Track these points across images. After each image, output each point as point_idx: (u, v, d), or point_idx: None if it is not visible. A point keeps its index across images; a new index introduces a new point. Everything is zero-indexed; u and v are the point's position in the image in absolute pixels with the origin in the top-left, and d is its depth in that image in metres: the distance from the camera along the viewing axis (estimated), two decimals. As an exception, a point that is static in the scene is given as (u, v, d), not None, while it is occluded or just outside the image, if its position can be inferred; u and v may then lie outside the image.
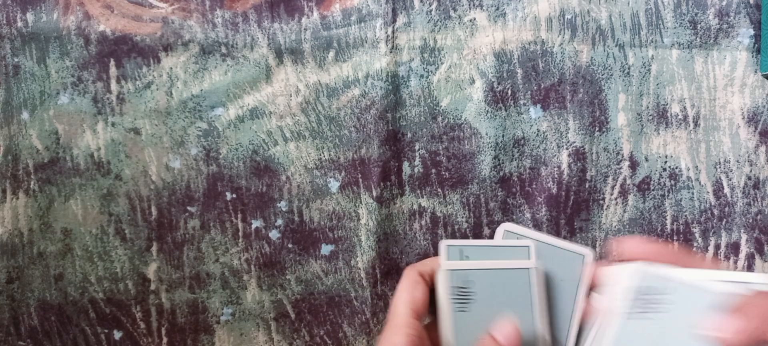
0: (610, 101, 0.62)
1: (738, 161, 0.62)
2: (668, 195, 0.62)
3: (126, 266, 0.61)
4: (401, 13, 0.61)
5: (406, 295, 0.40)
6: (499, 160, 0.62)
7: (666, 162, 0.62)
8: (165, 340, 0.62)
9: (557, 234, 0.62)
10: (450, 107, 0.62)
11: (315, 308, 0.63)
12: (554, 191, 0.62)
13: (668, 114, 0.62)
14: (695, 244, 0.63)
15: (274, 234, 0.62)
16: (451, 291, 0.39)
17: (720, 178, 0.62)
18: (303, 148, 0.62)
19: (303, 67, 0.61)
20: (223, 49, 0.61)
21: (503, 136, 0.62)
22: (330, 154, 0.62)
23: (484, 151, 0.62)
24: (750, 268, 0.63)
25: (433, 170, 0.62)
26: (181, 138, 0.61)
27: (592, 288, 0.40)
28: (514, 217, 0.62)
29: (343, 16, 0.61)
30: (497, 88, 0.62)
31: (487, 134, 0.62)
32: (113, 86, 0.61)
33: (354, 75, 0.61)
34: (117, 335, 0.62)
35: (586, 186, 0.62)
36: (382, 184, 0.62)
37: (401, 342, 0.37)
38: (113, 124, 0.61)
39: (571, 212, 0.62)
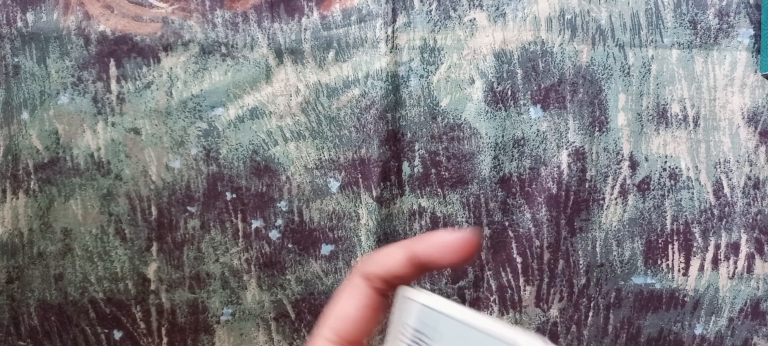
0: (610, 101, 0.62)
1: (738, 161, 0.62)
2: (668, 195, 0.62)
3: (126, 266, 0.61)
4: (401, 13, 0.61)
5: (333, 307, 0.28)
6: (498, 160, 0.62)
7: (666, 162, 0.62)
8: (165, 340, 0.62)
9: (557, 234, 0.62)
10: (450, 107, 0.62)
11: (315, 308, 0.63)
12: (554, 191, 0.62)
13: (668, 114, 0.62)
14: (695, 244, 0.63)
15: (274, 234, 0.62)
16: (407, 331, 0.29)
17: (720, 178, 0.62)
18: (303, 148, 0.62)
19: (303, 67, 0.61)
20: (223, 49, 0.61)
21: (503, 136, 0.62)
22: (330, 154, 0.62)
23: (483, 152, 0.62)
24: (750, 268, 0.63)
25: (433, 170, 0.62)
26: (181, 138, 0.61)
27: None
28: (514, 217, 0.62)
29: (343, 16, 0.61)
30: (497, 88, 0.62)
31: (486, 134, 0.62)
32: (113, 86, 0.61)
33: (354, 75, 0.61)
34: (117, 335, 0.62)
35: (586, 186, 0.62)
36: (382, 184, 0.62)
37: None
38: (113, 124, 0.61)
39: (571, 212, 0.62)
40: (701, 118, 0.62)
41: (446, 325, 0.28)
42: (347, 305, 0.28)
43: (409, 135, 0.62)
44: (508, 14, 0.62)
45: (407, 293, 0.30)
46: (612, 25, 0.62)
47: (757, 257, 0.63)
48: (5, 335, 0.61)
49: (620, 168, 0.62)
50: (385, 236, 0.62)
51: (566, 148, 0.62)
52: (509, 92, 0.62)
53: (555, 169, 0.62)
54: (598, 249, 0.63)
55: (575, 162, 0.62)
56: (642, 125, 0.62)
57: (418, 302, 0.29)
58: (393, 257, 0.29)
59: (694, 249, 0.63)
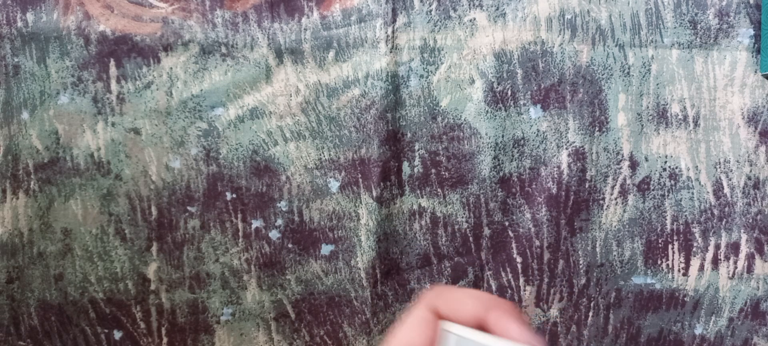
0: (610, 101, 0.62)
1: (738, 161, 0.62)
2: (668, 195, 0.62)
3: (126, 266, 0.61)
4: (401, 13, 0.61)
5: (401, 335, 0.30)
6: (498, 160, 0.62)
7: (666, 162, 0.62)
8: (165, 340, 0.62)
9: (557, 234, 0.62)
10: (450, 107, 0.62)
11: (315, 308, 0.63)
12: (554, 191, 0.62)
13: (668, 114, 0.62)
14: (695, 244, 0.63)
15: (274, 234, 0.62)
16: None
17: (720, 178, 0.62)
18: (303, 148, 0.62)
19: (303, 67, 0.61)
20: (223, 49, 0.61)
21: (503, 136, 0.62)
22: (330, 154, 0.62)
23: (483, 152, 0.62)
24: (750, 268, 0.63)
25: (433, 170, 0.62)
26: (181, 138, 0.61)
27: None
28: (514, 217, 0.62)
29: (343, 16, 0.61)
30: (497, 88, 0.62)
31: (486, 134, 0.62)
32: (113, 86, 0.61)
33: (354, 75, 0.61)
34: (117, 335, 0.62)
35: (586, 186, 0.62)
36: (382, 184, 0.62)
37: None
38: (113, 124, 0.61)
39: (571, 212, 0.62)
40: (701, 118, 0.62)
41: None
42: (416, 337, 0.30)
43: (409, 135, 0.62)
44: (508, 14, 0.62)
45: (446, 326, 0.31)
46: (612, 25, 0.62)
47: (757, 257, 0.63)
48: (5, 335, 0.61)
49: (620, 168, 0.62)
50: (385, 236, 0.62)
51: (566, 148, 0.62)
52: (509, 92, 0.62)
53: (555, 169, 0.62)
54: (598, 249, 0.63)
55: (575, 162, 0.62)
56: (642, 125, 0.62)
57: (455, 334, 0.31)
58: (465, 311, 0.30)
59: (694, 249, 0.63)
